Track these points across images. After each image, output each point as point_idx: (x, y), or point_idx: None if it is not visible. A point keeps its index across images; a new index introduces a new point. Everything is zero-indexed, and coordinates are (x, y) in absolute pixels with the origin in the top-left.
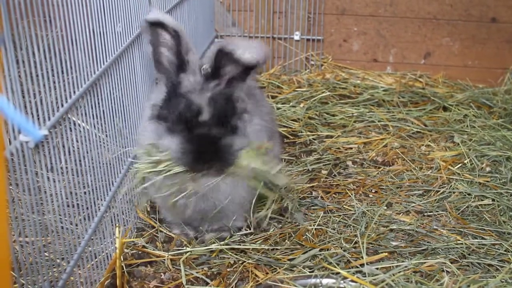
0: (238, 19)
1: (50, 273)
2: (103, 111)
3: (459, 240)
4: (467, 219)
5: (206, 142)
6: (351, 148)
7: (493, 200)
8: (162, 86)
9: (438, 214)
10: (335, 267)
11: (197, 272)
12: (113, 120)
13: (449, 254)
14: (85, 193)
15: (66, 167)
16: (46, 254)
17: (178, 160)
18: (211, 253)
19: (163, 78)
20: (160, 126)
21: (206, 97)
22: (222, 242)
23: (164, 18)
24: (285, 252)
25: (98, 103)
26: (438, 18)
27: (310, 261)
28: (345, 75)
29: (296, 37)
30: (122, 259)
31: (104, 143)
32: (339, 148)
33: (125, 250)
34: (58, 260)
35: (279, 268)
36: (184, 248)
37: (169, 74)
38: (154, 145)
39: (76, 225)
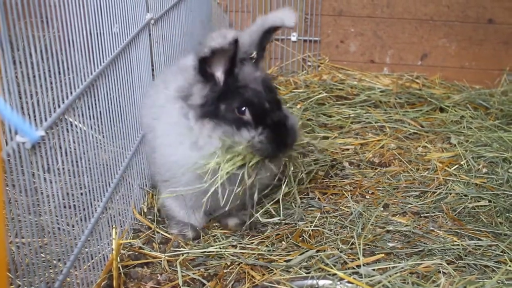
0: (235, 20)
1: (46, 274)
2: (100, 112)
3: (455, 241)
4: (464, 220)
5: (281, 127)
6: (348, 149)
7: (489, 201)
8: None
9: (434, 215)
10: (331, 268)
11: (193, 273)
12: (110, 121)
13: (446, 255)
14: (81, 194)
15: (63, 168)
16: (42, 255)
17: (260, 150)
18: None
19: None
20: (222, 123)
21: (264, 83)
22: (221, 243)
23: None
24: (282, 253)
25: (95, 104)
26: (435, 19)
27: (306, 262)
28: (342, 76)
29: (293, 38)
30: (118, 260)
31: (101, 144)
32: (336, 149)
33: (122, 251)
34: (54, 261)
35: (276, 269)
36: (181, 249)
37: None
38: (226, 142)
39: (73, 226)
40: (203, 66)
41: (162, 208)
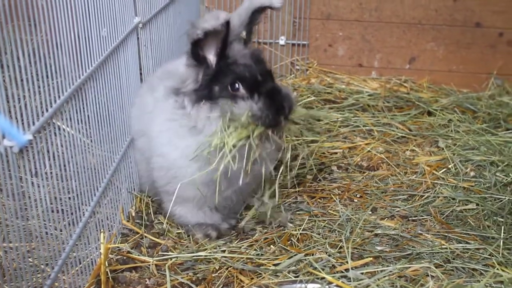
0: None
1: (34, 279)
2: (88, 116)
3: (443, 244)
4: (452, 223)
5: (277, 94)
6: (336, 153)
7: (477, 204)
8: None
9: (422, 218)
10: (320, 272)
11: (182, 278)
12: (98, 125)
13: (434, 259)
14: (69, 198)
15: (51, 172)
16: (30, 259)
17: (261, 118)
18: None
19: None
20: (218, 102)
21: (253, 56)
22: (209, 247)
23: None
24: (270, 257)
25: (83, 108)
26: (423, 23)
27: (295, 266)
28: (330, 80)
29: (281, 42)
30: (106, 265)
31: (89, 148)
32: (324, 153)
33: (110, 255)
34: (42, 266)
35: (264, 273)
36: (169, 253)
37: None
38: (226, 118)
39: (61, 230)
40: (196, 49)
41: (172, 218)
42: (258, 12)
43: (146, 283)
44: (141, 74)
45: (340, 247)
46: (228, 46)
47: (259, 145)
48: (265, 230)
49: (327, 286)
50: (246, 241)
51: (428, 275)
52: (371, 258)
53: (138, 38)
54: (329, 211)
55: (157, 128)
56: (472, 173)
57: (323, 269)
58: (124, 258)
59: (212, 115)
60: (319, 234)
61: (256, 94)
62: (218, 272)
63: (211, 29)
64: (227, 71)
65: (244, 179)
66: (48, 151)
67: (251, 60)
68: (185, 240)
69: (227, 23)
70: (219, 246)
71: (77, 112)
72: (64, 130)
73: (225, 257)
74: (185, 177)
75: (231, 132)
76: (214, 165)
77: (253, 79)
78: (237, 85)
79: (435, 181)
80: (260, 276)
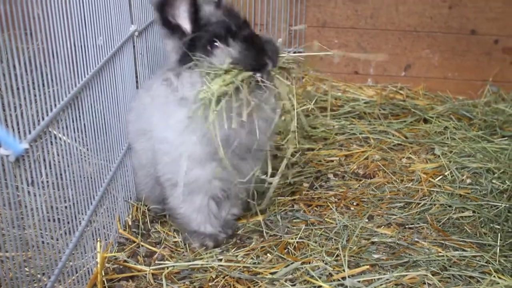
0: None
1: None
2: (84, 124)
3: (440, 252)
4: (448, 231)
5: (256, 39)
6: (333, 161)
7: (473, 212)
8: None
9: (419, 226)
10: (317, 280)
11: (178, 287)
12: (94, 134)
13: (431, 266)
14: (66, 207)
15: (47, 181)
16: (26, 269)
17: (242, 61)
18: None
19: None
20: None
21: (226, 11)
22: (206, 256)
23: None
24: (267, 266)
25: (79, 117)
26: (418, 30)
27: (292, 274)
28: (326, 87)
29: None
30: (103, 274)
31: (85, 156)
32: (320, 161)
33: (107, 264)
34: (39, 275)
35: (261, 282)
36: (166, 262)
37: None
38: (210, 75)
39: (57, 239)
40: (164, 15)
41: (176, 217)
42: None
43: None
44: (137, 82)
45: (337, 255)
46: (199, 10)
47: (250, 93)
48: (262, 239)
49: None
50: (242, 249)
51: (425, 283)
52: (368, 266)
53: (134, 46)
54: (326, 219)
55: (155, 116)
56: (468, 180)
57: (320, 277)
58: (121, 267)
59: (193, 78)
60: (315, 242)
61: (233, 41)
62: (215, 281)
63: None
64: (202, 33)
65: (247, 135)
66: (44, 160)
67: (223, 16)
68: (182, 248)
69: None
70: (215, 255)
71: (73, 121)
72: (60, 138)
73: (221, 265)
74: (186, 152)
75: (212, 79)
76: (211, 117)
77: (229, 32)
78: (215, 42)
79: (432, 189)
80: (257, 285)
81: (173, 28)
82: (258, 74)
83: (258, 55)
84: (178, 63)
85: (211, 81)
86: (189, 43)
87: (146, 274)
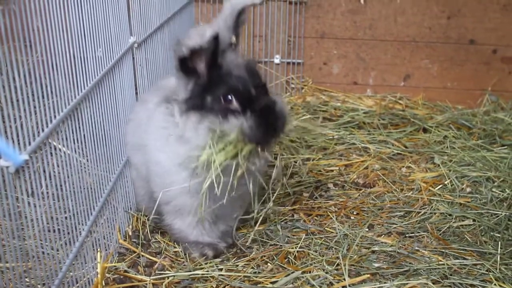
0: None
1: None
2: (84, 135)
3: (440, 260)
4: (449, 239)
5: (270, 112)
6: (332, 171)
7: (474, 220)
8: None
9: (419, 235)
10: None
11: None
12: (94, 145)
13: (431, 275)
14: (66, 218)
15: (47, 192)
16: (27, 279)
17: (251, 137)
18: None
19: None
20: (210, 114)
21: (248, 68)
22: (206, 265)
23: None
24: (267, 275)
25: (79, 128)
26: (417, 40)
27: (292, 283)
28: (326, 97)
29: (276, 61)
30: (103, 284)
31: (85, 167)
32: (320, 171)
33: (107, 274)
34: (39, 286)
35: None
36: (166, 272)
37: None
38: (215, 132)
39: (57, 250)
40: (184, 64)
41: (172, 233)
42: (242, 13)
43: None
44: (136, 94)
45: (337, 264)
46: (219, 56)
47: (247, 162)
48: (262, 248)
49: None
50: (243, 259)
51: None
52: (369, 275)
53: (133, 58)
54: (326, 228)
55: (151, 136)
56: (468, 189)
57: (320, 287)
58: (121, 277)
59: (200, 126)
60: (316, 252)
61: (248, 110)
62: None
63: (197, 47)
64: (220, 81)
65: (230, 194)
66: (44, 171)
67: (245, 71)
68: (182, 258)
69: (215, 39)
70: (216, 264)
71: (73, 132)
72: (60, 150)
73: (222, 275)
74: (176, 183)
75: (219, 150)
76: (200, 179)
77: (247, 93)
78: (229, 97)
79: (432, 198)
80: None
81: (189, 72)
82: (259, 147)
83: (267, 133)
84: (185, 101)
85: (215, 147)
86: (202, 87)
87: (146, 284)
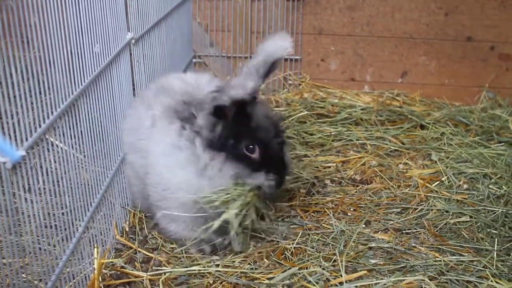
0: (216, 39)
1: None
2: (81, 131)
3: (437, 257)
4: (445, 236)
5: (284, 169)
6: (330, 167)
7: (470, 217)
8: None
9: (416, 231)
10: (314, 285)
11: None
12: (91, 141)
13: (428, 271)
14: (63, 214)
15: (44, 188)
16: (23, 275)
17: (266, 195)
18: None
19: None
20: (234, 159)
21: (274, 124)
22: (203, 261)
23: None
24: (264, 272)
25: (76, 124)
26: (415, 37)
27: (289, 280)
28: (323, 94)
29: None
30: (100, 280)
31: (82, 163)
32: (317, 167)
33: (104, 270)
34: (36, 282)
35: (258, 287)
36: (163, 268)
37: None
38: (237, 179)
39: (54, 246)
40: (219, 112)
41: (167, 234)
42: (275, 63)
43: None
44: (134, 90)
45: (334, 261)
46: (249, 105)
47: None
48: (259, 244)
49: None
50: (240, 255)
51: None
52: (365, 271)
53: (131, 54)
54: (323, 224)
55: (158, 149)
56: (465, 186)
57: (317, 283)
58: (118, 273)
59: (225, 168)
60: (313, 248)
61: (268, 166)
62: (212, 286)
63: (239, 99)
64: (247, 130)
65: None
66: (41, 167)
67: (272, 127)
68: (179, 254)
69: (254, 91)
70: (213, 260)
71: (70, 128)
72: (57, 146)
73: (219, 271)
74: (177, 201)
75: (237, 205)
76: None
77: (270, 148)
78: (252, 147)
79: (429, 194)
80: None
81: (220, 115)
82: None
83: (279, 187)
84: (211, 141)
85: (231, 194)
86: (230, 131)
87: (143, 280)
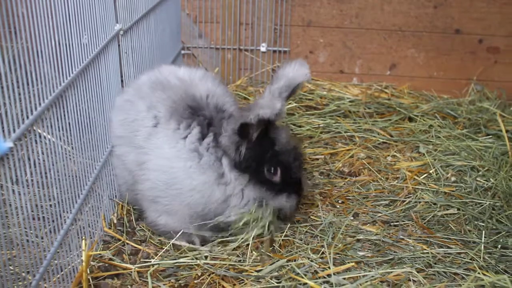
0: (204, 30)
1: (15, 287)
2: (69, 123)
3: (425, 249)
4: (433, 228)
5: (301, 193)
6: (318, 159)
7: (458, 209)
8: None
9: (404, 223)
10: (302, 277)
11: (164, 284)
12: (79, 132)
13: (416, 263)
14: (51, 205)
15: (32, 180)
16: (11, 267)
17: (286, 216)
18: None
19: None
20: (258, 181)
21: (295, 150)
22: (192, 254)
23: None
24: (253, 264)
25: (64, 115)
26: (403, 29)
27: (277, 272)
28: (312, 86)
29: (263, 49)
30: (88, 272)
31: (70, 155)
32: (305, 159)
33: (92, 262)
34: (23, 274)
35: (247, 280)
36: (151, 260)
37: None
38: (259, 201)
39: (42, 238)
40: (244, 130)
41: (156, 227)
42: (297, 87)
43: None
44: (122, 81)
45: (322, 253)
46: (271, 126)
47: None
48: (247, 236)
49: None
50: (228, 247)
51: (410, 280)
52: (353, 263)
53: (119, 45)
54: (311, 216)
55: (169, 151)
56: (453, 178)
57: (305, 275)
58: (106, 265)
59: (247, 191)
60: (301, 240)
61: (288, 188)
62: (201, 278)
63: (266, 118)
64: (271, 155)
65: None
66: (29, 159)
67: (293, 151)
68: (167, 246)
69: (280, 113)
70: (201, 252)
71: (58, 119)
72: (45, 137)
73: (207, 263)
74: (184, 201)
75: (257, 225)
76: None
77: (291, 172)
78: (274, 169)
79: (416, 187)
80: (243, 282)
81: (244, 134)
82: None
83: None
84: (236, 162)
85: (252, 215)
86: (254, 153)
87: (131, 272)
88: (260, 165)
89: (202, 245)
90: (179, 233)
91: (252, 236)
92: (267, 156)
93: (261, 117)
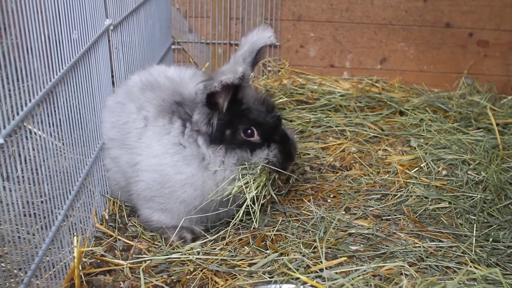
0: (195, 25)
1: (7, 283)
2: (60, 119)
3: (417, 243)
4: (425, 222)
5: (287, 141)
6: (309, 154)
7: (449, 203)
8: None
9: (396, 217)
10: (294, 272)
11: (156, 280)
12: (70, 128)
13: (408, 257)
14: (42, 202)
15: (23, 176)
16: (3, 264)
17: (275, 165)
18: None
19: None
20: (235, 148)
21: (265, 102)
22: (184, 249)
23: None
24: (245, 259)
25: (55, 111)
26: (394, 23)
27: (269, 266)
28: (302, 80)
29: None
30: (80, 268)
31: (61, 151)
32: (296, 154)
33: (84, 259)
34: (15, 271)
35: (239, 275)
36: (143, 256)
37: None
38: (243, 165)
39: (34, 234)
40: (211, 99)
41: (149, 224)
42: (261, 51)
43: (121, 286)
44: (113, 76)
45: (314, 247)
46: (239, 91)
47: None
48: (240, 231)
49: (301, 287)
50: (220, 242)
51: (402, 274)
52: (345, 258)
53: (109, 41)
54: (303, 211)
55: (158, 148)
56: (444, 172)
57: (297, 269)
58: (98, 261)
59: (227, 160)
60: (293, 235)
61: (269, 141)
62: (193, 274)
63: (229, 83)
64: (241, 116)
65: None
66: (19, 155)
67: (264, 106)
68: (159, 242)
69: (244, 76)
70: (193, 247)
71: (48, 116)
72: (35, 133)
73: (199, 258)
74: (179, 198)
75: (249, 184)
76: (210, 200)
77: (267, 125)
78: (250, 131)
79: (408, 180)
80: (235, 277)
81: (213, 105)
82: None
83: (286, 160)
84: (208, 134)
85: (242, 179)
86: (224, 121)
87: (123, 268)
88: (235, 130)
89: (194, 240)
90: (171, 228)
91: (249, 199)
92: (238, 119)
93: (224, 82)
